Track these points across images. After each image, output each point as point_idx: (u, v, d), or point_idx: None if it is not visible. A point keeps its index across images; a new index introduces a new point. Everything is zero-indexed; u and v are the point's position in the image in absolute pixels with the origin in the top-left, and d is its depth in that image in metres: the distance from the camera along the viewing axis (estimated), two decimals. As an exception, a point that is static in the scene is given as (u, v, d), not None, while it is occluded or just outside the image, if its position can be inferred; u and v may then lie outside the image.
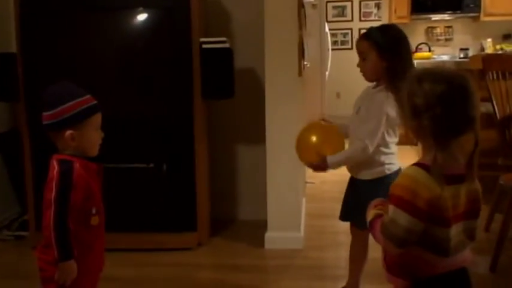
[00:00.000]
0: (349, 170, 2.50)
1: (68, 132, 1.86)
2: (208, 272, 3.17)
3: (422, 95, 1.44)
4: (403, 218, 1.43)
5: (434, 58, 7.00)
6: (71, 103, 1.88)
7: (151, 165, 3.35)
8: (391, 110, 2.27)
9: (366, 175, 2.43)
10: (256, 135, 3.60)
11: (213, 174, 3.70)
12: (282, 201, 3.37)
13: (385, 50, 2.28)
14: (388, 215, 1.48)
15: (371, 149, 2.31)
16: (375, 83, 2.40)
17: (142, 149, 3.38)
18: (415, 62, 6.47)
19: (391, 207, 1.47)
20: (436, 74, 1.47)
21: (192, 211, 3.39)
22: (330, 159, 2.35)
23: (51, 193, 1.80)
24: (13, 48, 3.44)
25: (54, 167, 1.85)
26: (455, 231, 1.47)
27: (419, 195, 1.42)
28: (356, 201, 2.42)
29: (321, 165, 2.38)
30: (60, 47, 3.34)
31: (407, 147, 6.63)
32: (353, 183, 2.56)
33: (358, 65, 2.40)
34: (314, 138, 2.46)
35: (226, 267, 3.16)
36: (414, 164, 1.52)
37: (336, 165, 2.39)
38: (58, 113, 1.87)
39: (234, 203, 3.97)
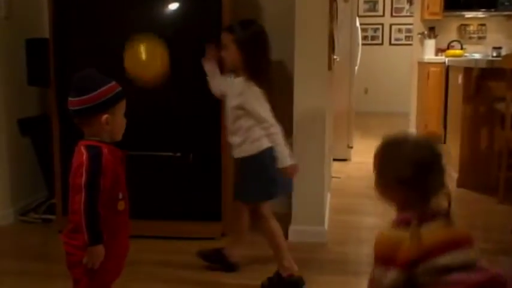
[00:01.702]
0: (232, 151, 2.73)
1: (104, 116, 1.90)
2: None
3: (407, 162, 1.49)
4: (385, 275, 1.46)
5: (466, 56, 6.90)
6: (106, 87, 1.92)
7: (178, 154, 3.37)
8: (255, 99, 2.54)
9: (242, 152, 2.65)
10: (283, 127, 3.58)
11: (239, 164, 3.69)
12: (307, 195, 3.36)
13: (244, 43, 2.53)
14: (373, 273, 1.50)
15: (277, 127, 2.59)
16: (235, 74, 2.65)
17: (170, 138, 3.40)
18: (447, 59, 6.43)
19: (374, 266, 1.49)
20: (416, 141, 1.57)
21: (217, 201, 3.40)
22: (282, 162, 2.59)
23: (81, 178, 1.82)
24: (46, 33, 3.48)
25: (83, 152, 1.88)
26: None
27: (399, 253, 1.45)
28: (239, 177, 2.76)
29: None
30: (92, 33, 3.37)
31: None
32: (237, 162, 2.80)
33: (221, 55, 2.65)
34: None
35: (249, 258, 3.17)
36: (393, 222, 1.57)
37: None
38: (95, 97, 1.90)
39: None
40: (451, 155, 5.14)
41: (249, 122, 2.59)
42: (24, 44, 3.59)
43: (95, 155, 1.87)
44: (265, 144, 2.60)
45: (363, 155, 6.11)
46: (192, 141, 3.38)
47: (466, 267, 1.45)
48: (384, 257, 1.49)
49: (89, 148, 1.89)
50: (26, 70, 3.61)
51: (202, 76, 3.31)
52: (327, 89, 3.38)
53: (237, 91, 2.60)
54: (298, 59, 3.28)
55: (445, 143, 5.86)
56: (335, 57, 4.22)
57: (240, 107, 2.58)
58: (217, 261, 2.96)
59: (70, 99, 1.93)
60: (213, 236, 3.39)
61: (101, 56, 3.34)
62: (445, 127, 6.24)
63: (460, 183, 4.79)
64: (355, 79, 5.96)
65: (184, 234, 3.37)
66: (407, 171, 1.48)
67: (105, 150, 1.89)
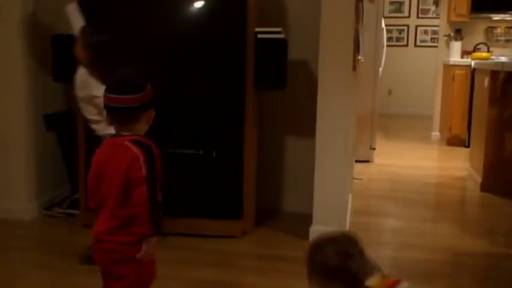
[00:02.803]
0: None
1: (152, 112, 1.99)
2: (251, 261, 3.18)
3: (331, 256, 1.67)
4: None
5: (492, 59, 6.81)
6: (149, 85, 1.99)
7: (201, 151, 3.38)
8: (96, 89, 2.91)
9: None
10: (306, 127, 3.59)
11: (261, 164, 3.70)
12: (329, 196, 3.35)
13: (87, 45, 3.01)
14: None
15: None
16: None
17: (193, 136, 3.41)
18: (473, 62, 6.36)
19: None
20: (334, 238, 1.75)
21: (239, 199, 3.41)
22: None
23: (140, 172, 1.87)
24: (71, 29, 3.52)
25: (130, 147, 1.91)
26: None
27: None
28: None
29: None
30: (116, 31, 3.40)
31: (459, 148, 6.50)
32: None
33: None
34: None
35: (269, 257, 3.17)
36: None
37: None
38: (148, 93, 1.97)
39: (280, 194, 3.97)
40: (475, 158, 5.09)
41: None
42: (50, 40, 3.62)
43: (149, 149, 1.92)
44: None
45: (385, 157, 6.07)
46: (215, 139, 3.39)
47: None
48: None
49: (138, 143, 1.92)
50: (52, 66, 3.64)
51: (226, 75, 3.33)
52: (351, 89, 3.36)
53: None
54: (323, 59, 3.26)
55: (469, 146, 5.80)
56: (360, 57, 4.20)
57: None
58: None
59: (122, 96, 1.93)
60: (233, 234, 3.40)
61: (124, 53, 3.36)
62: (469, 130, 6.18)
63: (484, 187, 4.73)
64: (379, 80, 5.92)
65: (205, 232, 3.38)
66: (332, 261, 1.66)
67: (153, 145, 1.96)
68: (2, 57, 3.64)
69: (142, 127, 1.99)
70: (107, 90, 1.96)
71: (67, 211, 3.78)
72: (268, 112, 3.80)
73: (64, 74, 3.54)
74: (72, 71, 3.43)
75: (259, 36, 3.27)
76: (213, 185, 3.42)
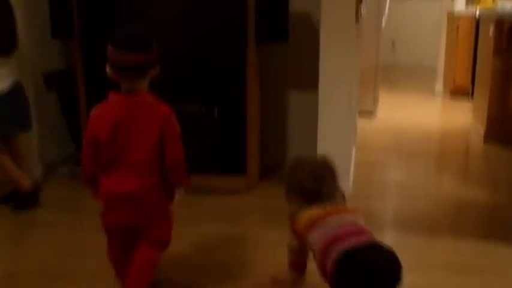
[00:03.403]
0: None
1: (157, 67, 2.01)
2: (256, 215, 3.21)
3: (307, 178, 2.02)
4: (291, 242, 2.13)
5: (498, 7, 6.69)
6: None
7: (203, 108, 3.37)
8: None
9: None
10: (309, 81, 3.56)
11: (264, 119, 3.69)
12: (332, 149, 3.33)
13: None
14: None
15: None
16: None
17: (195, 92, 3.39)
18: (478, 11, 6.25)
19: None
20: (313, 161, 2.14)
21: (243, 155, 3.41)
22: None
23: (175, 128, 2.01)
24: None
25: (158, 106, 1.99)
26: None
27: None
28: None
29: None
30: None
31: (462, 99, 6.46)
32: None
33: None
34: None
35: (274, 211, 3.19)
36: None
37: None
38: (155, 51, 1.99)
39: (284, 148, 3.97)
40: (479, 110, 5.06)
41: None
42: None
43: (169, 106, 2.00)
44: None
45: (389, 110, 6.05)
46: (217, 95, 3.37)
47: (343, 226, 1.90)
48: (291, 229, 2.07)
49: (159, 101, 2.00)
50: (49, 22, 3.59)
51: (227, 29, 3.29)
52: (353, 42, 3.32)
53: None
54: (325, 11, 3.21)
55: (472, 97, 5.77)
56: (362, 9, 4.13)
57: None
58: (13, 198, 3.22)
59: (134, 54, 1.92)
60: (238, 189, 3.41)
61: (124, 7, 3.32)
62: (473, 81, 6.13)
63: (487, 139, 4.72)
64: (382, 32, 5.85)
65: (210, 188, 3.39)
66: (308, 184, 1.99)
67: None
68: None
69: (147, 83, 2.00)
70: (114, 46, 1.92)
71: (71, 170, 3.79)
72: (271, 67, 3.76)
73: (62, 30, 3.49)
74: (71, 27, 3.40)
75: (260, -12, 3.22)
76: (216, 141, 3.42)
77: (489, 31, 4.81)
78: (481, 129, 4.85)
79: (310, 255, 2.02)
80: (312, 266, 2.04)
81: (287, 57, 3.81)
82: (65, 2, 3.39)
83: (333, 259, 1.77)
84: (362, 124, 5.25)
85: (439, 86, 7.46)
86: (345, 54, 3.26)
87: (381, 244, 1.83)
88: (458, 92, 6.80)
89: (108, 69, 1.97)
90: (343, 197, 2.06)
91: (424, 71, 8.71)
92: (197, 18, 3.32)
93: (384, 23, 5.90)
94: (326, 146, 3.32)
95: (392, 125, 5.46)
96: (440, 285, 2.28)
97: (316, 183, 1.98)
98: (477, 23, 6.11)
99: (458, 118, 5.80)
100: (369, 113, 5.77)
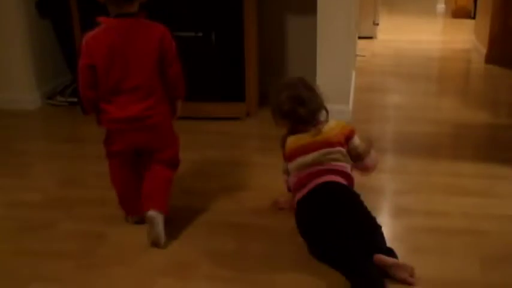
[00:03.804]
0: None
1: None
2: (255, 141, 3.22)
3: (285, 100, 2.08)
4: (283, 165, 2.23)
5: None
6: None
7: (200, 33, 3.30)
8: None
9: None
10: (308, 4, 3.48)
11: (262, 44, 3.63)
12: (332, 74, 3.31)
13: None
14: None
15: None
16: None
17: (191, 17, 3.32)
18: None
19: None
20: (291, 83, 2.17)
21: (241, 81, 3.38)
22: None
23: (173, 43, 2.01)
24: None
25: (153, 24, 1.97)
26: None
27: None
28: None
29: None
30: None
31: (464, 20, 6.35)
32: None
33: None
34: None
35: (273, 137, 3.18)
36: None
37: None
38: None
39: (283, 74, 3.93)
40: (481, 30, 4.98)
41: None
42: None
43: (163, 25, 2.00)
44: None
45: (389, 32, 5.96)
46: (214, 20, 3.30)
47: (316, 164, 2.03)
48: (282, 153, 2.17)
49: (152, 21, 1.98)
50: None
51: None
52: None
53: None
54: None
55: (474, 18, 5.67)
56: None
57: None
58: None
59: None
60: (237, 116, 3.41)
61: None
62: (475, 2, 6.00)
63: (489, 59, 4.68)
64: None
65: (209, 115, 3.39)
66: (286, 106, 2.06)
67: None
68: None
69: (137, 8, 1.95)
70: None
71: (69, 99, 3.77)
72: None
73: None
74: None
75: None
76: (214, 68, 3.38)
77: None
78: (482, 50, 4.80)
79: None
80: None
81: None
82: None
83: (297, 198, 2.05)
84: (362, 46, 5.18)
85: (440, 6, 7.32)
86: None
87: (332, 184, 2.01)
88: (460, 12, 6.68)
89: None
90: (326, 112, 2.10)
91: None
92: None
93: None
94: (325, 70, 3.29)
95: (393, 47, 5.39)
96: (440, 208, 2.31)
97: (292, 104, 2.05)
98: None
99: (459, 39, 5.72)
100: (369, 37, 5.68)
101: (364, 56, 5.00)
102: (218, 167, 2.81)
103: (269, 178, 2.58)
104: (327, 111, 2.11)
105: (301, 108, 2.04)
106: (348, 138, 2.10)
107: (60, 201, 2.45)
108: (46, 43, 3.86)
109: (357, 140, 2.12)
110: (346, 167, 2.07)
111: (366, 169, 2.17)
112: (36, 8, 3.72)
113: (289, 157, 2.11)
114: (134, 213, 2.18)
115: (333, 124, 2.11)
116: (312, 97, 2.08)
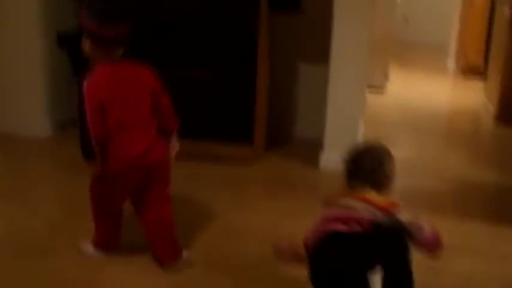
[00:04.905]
0: None
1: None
2: (260, 185, 3.21)
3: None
4: None
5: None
6: None
7: (213, 73, 3.34)
8: None
9: None
10: (320, 52, 3.52)
11: (273, 88, 3.66)
12: (341, 122, 3.33)
13: None
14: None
15: None
16: None
17: (205, 57, 3.36)
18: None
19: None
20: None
21: (250, 123, 3.39)
22: None
23: (159, 80, 2.13)
24: None
25: (140, 65, 2.11)
26: None
27: None
28: None
29: None
30: None
31: (474, 77, 6.40)
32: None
33: None
34: None
35: (279, 182, 3.19)
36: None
37: None
38: (127, 22, 2.07)
39: (291, 120, 3.95)
40: (491, 89, 5.01)
41: None
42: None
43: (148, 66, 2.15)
44: None
45: (399, 86, 6.00)
46: (227, 61, 3.34)
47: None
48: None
49: (137, 63, 2.11)
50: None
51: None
52: (367, 14, 3.27)
53: None
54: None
55: (484, 77, 5.71)
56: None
57: None
58: None
59: (118, 27, 2.02)
60: (244, 158, 3.40)
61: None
62: (485, 60, 6.05)
63: (498, 119, 4.68)
64: (395, 6, 5.77)
65: (215, 155, 3.38)
66: (347, 164, 2.00)
67: None
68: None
69: (122, 50, 2.07)
70: (98, 19, 1.98)
71: (80, 130, 3.79)
72: (282, 36, 3.72)
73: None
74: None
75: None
76: (224, 108, 3.40)
77: (504, 10, 4.73)
78: (492, 109, 4.81)
79: None
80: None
81: (299, 27, 3.76)
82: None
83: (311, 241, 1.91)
84: (371, 99, 5.21)
85: (451, 63, 7.38)
86: (358, 27, 3.22)
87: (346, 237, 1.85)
88: (470, 70, 6.72)
89: (87, 43, 2.06)
90: (383, 184, 2.01)
91: (436, 47, 8.60)
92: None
93: (398, -3, 5.81)
94: (334, 118, 3.30)
95: (402, 101, 5.42)
96: (442, 266, 2.28)
97: (352, 164, 2.01)
98: (492, 1, 6.02)
99: (469, 97, 5.75)
100: (379, 88, 5.72)
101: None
102: (221, 209, 2.79)
103: (273, 224, 2.56)
104: (385, 182, 2.03)
105: (356, 169, 2.00)
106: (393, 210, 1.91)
107: (63, 229, 2.44)
108: (61, 73, 3.90)
109: (404, 215, 1.89)
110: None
111: (426, 247, 1.88)
112: (57, 39, 3.78)
113: (324, 205, 2.01)
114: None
115: (381, 197, 1.98)
116: (375, 161, 2.02)
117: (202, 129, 3.44)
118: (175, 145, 2.24)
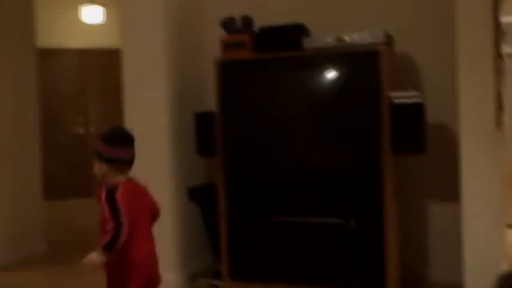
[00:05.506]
0: None
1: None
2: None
3: None
4: None
5: None
6: None
7: (339, 220, 3.33)
8: None
9: None
10: (448, 191, 3.43)
11: (403, 231, 3.56)
12: (481, 264, 3.12)
13: None
14: None
15: None
16: None
17: (330, 204, 3.38)
18: None
19: None
20: None
21: (381, 270, 3.28)
22: None
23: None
24: (210, 107, 3.77)
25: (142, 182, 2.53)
26: None
27: None
28: None
29: None
30: (255, 105, 3.56)
31: None
32: None
33: None
34: None
35: None
36: None
37: None
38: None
39: (425, 263, 3.78)
40: None
41: None
42: (193, 118, 3.83)
43: None
44: None
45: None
46: (353, 207, 3.34)
47: None
48: None
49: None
50: (193, 141, 3.83)
51: (362, 141, 3.31)
52: (496, 151, 3.17)
53: None
54: (464, 121, 3.12)
55: None
56: (505, 118, 3.98)
57: None
58: None
59: (132, 150, 2.45)
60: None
61: (263, 126, 3.49)
62: None
63: None
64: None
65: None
66: None
67: None
68: (150, 134, 3.83)
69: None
70: (119, 144, 2.40)
71: (211, 282, 3.85)
72: (409, 177, 3.68)
73: (206, 149, 3.73)
74: (213, 146, 3.62)
75: (395, 101, 3.23)
76: (353, 256, 3.33)
77: None
78: None
79: None
80: None
81: (425, 167, 3.72)
82: (210, 125, 3.64)
83: None
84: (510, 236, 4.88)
85: None
86: (487, 163, 3.12)
87: None
88: None
89: (104, 166, 2.40)
90: None
91: None
92: (333, 132, 3.39)
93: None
94: (473, 260, 3.11)
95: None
96: None
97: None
98: None
99: None
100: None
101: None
102: None
103: None
104: None
105: None
106: None
107: None
108: (193, 226, 4.06)
109: None
110: None
111: None
112: (188, 194, 4.00)
113: None
114: None
115: None
116: None
117: (330, 278, 3.37)
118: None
